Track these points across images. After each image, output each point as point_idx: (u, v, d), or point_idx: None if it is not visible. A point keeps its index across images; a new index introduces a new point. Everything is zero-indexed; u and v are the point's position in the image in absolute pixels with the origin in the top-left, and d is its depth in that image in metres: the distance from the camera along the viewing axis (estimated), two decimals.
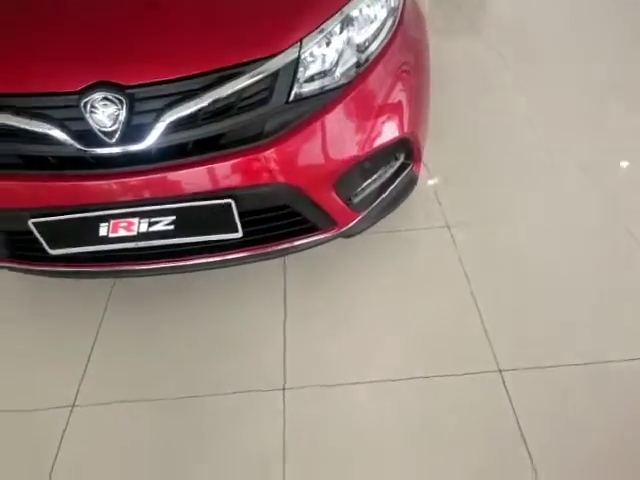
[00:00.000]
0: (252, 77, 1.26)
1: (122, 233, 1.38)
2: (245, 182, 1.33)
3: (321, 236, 1.54)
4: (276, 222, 1.47)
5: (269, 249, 1.49)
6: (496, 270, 1.76)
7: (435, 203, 2.01)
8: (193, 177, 1.31)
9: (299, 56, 1.29)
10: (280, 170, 1.33)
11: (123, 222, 1.36)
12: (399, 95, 1.50)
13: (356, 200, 1.55)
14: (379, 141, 1.47)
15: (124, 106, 1.23)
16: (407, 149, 1.62)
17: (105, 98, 1.22)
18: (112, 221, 1.36)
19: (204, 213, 1.36)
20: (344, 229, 1.57)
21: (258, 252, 1.49)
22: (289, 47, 1.28)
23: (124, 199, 1.33)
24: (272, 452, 1.36)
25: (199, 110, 1.26)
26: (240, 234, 1.41)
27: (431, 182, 2.11)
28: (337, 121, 1.38)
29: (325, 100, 1.36)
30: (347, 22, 1.38)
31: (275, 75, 1.28)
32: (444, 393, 1.44)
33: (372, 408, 1.43)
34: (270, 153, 1.31)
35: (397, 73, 1.50)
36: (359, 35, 1.40)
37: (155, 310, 1.73)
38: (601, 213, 1.90)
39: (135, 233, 1.38)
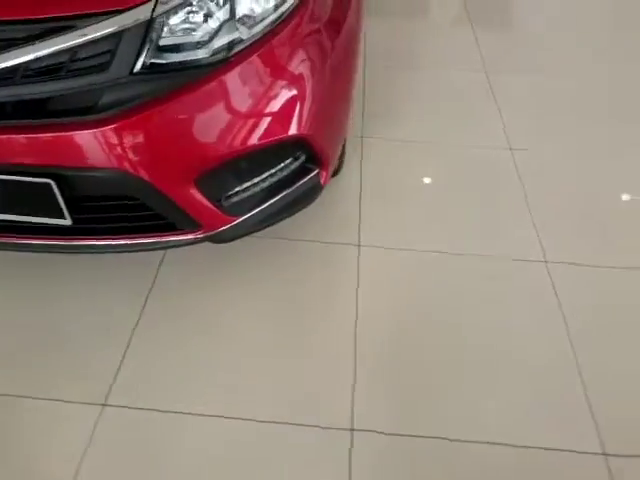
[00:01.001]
0: (85, 35, 1.01)
1: None
2: (69, 162, 1.09)
3: (179, 237, 1.31)
4: (120, 213, 1.24)
5: (107, 242, 1.27)
6: (389, 308, 1.53)
7: (354, 218, 1.76)
8: (8, 144, 1.08)
9: (152, 18, 1.05)
10: (116, 154, 1.10)
11: None
12: (297, 86, 1.25)
13: (230, 202, 1.31)
14: (262, 138, 1.22)
15: None
16: (307, 152, 1.38)
17: None
18: None
19: (24, 190, 1.13)
20: (211, 233, 1.33)
21: (91, 243, 1.27)
22: (139, 4, 1.04)
23: None
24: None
25: (21, 64, 1.02)
26: (68, 221, 1.18)
27: (357, 191, 1.86)
28: (201, 105, 1.14)
29: (189, 77, 1.11)
30: None
31: (118, 37, 1.03)
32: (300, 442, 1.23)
33: (198, 448, 1.22)
34: (103, 131, 1.07)
35: (298, 59, 1.25)
36: (246, 3, 1.15)
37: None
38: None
39: None
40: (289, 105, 1.24)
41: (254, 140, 1.21)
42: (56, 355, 1.37)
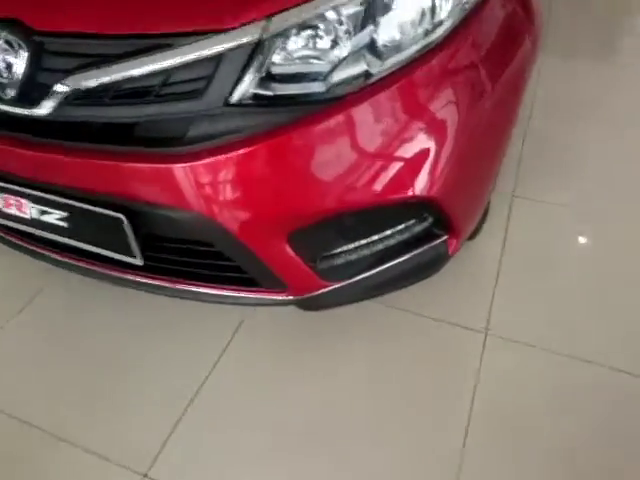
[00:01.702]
0: (181, 56, 0.85)
1: (14, 212, 1.08)
2: (144, 196, 0.94)
3: (260, 296, 1.10)
4: (196, 259, 1.06)
5: (179, 287, 1.10)
6: (509, 418, 1.16)
7: (487, 297, 1.42)
8: (83, 169, 0.95)
9: (261, 40, 0.85)
10: (195, 194, 0.92)
11: (13, 200, 1.06)
12: (433, 136, 0.97)
13: (328, 264, 1.07)
14: (379, 195, 0.97)
15: (27, 56, 0.91)
16: (436, 215, 1.09)
17: (7, 41, 0.91)
18: (4, 194, 1.07)
19: (94, 222, 1.00)
20: (300, 297, 1.10)
21: (162, 285, 1.10)
22: (247, 23, 0.84)
23: (12, 171, 1.03)
24: None
25: (110, 83, 0.89)
26: (139, 261, 1.03)
27: (495, 263, 1.50)
28: (307, 148, 0.91)
29: (295, 113, 0.90)
30: (371, 7, 0.89)
31: (217, 60, 0.85)
32: None
33: None
34: (185, 167, 0.90)
35: (441, 101, 0.97)
36: (390, 28, 0.91)
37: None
38: None
39: (28, 217, 1.07)
40: (419, 159, 0.97)
41: (368, 196, 0.96)
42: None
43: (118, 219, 0.95)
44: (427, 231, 1.12)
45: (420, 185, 0.97)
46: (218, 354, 1.31)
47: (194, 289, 1.09)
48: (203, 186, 0.91)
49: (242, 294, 1.10)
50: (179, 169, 0.90)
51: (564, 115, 2.02)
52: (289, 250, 1.00)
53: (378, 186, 0.96)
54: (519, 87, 1.15)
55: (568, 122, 1.98)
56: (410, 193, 0.97)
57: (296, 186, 0.93)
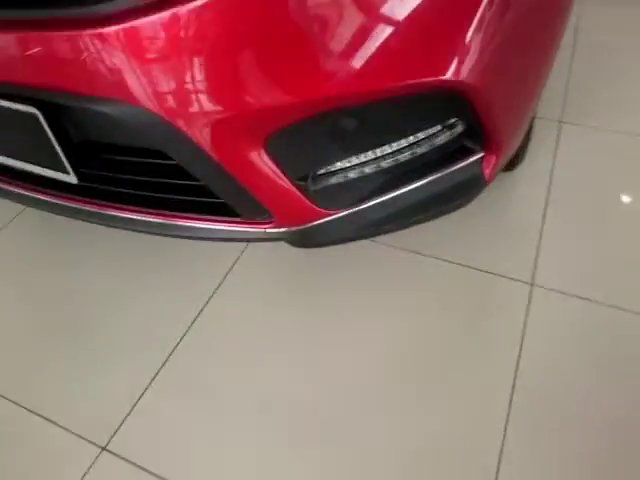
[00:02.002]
0: None
1: None
2: (57, 81, 0.67)
3: (234, 228, 0.84)
4: (150, 176, 0.80)
5: (126, 215, 0.84)
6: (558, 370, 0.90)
7: (530, 242, 1.14)
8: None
9: None
10: (125, 75, 0.65)
11: None
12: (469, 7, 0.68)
13: (323, 185, 0.81)
14: (388, 77, 0.69)
15: None
16: (468, 118, 0.81)
17: None
18: None
19: (8, 124, 0.75)
20: (288, 229, 0.84)
21: (101, 212, 0.85)
22: None
23: None
24: None
25: None
26: (72, 178, 0.78)
27: (541, 201, 1.21)
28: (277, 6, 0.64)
29: None
30: None
31: None
32: None
33: None
34: (105, 33, 0.63)
35: None
36: None
37: None
38: None
39: None
40: (449, 27, 0.68)
41: (374, 78, 0.68)
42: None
43: (32, 115, 0.70)
44: (456, 144, 0.85)
45: (449, 65, 0.69)
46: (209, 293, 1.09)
47: (147, 219, 0.84)
48: (137, 62, 0.64)
49: (213, 225, 0.84)
50: (99, 36, 0.63)
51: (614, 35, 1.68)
52: (269, 162, 0.73)
53: (390, 62, 0.67)
54: None
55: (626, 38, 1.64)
56: (435, 76, 0.69)
57: (275, 58, 0.65)
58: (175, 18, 0.61)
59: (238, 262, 1.15)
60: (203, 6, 0.60)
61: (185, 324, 1.04)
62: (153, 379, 0.97)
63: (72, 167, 0.75)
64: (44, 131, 0.71)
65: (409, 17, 0.65)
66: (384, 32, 0.65)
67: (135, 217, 0.83)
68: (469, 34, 0.69)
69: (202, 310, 1.06)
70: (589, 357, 0.95)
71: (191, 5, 0.61)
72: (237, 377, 0.96)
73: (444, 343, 0.99)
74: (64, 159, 0.74)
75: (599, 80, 1.49)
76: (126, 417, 0.92)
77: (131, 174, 0.80)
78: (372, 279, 1.09)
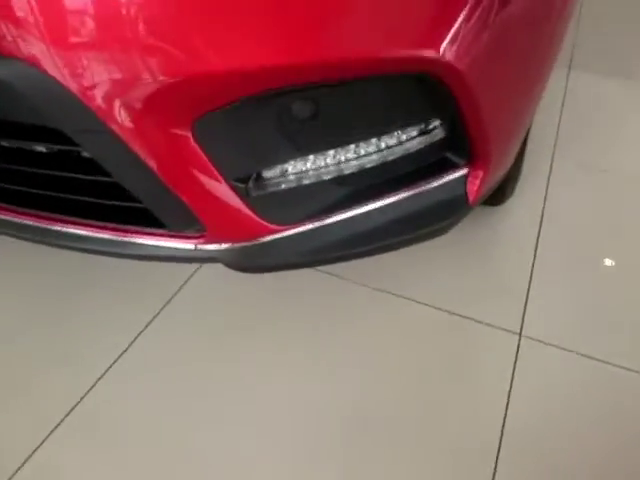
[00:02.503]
0: None
1: None
2: None
3: (156, 242, 0.66)
4: (46, 169, 0.63)
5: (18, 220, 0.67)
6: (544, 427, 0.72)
7: (518, 287, 0.98)
8: None
9: None
10: (19, 19, 0.50)
11: None
12: None
13: (267, 191, 0.64)
14: (350, 45, 0.53)
15: None
16: (451, 117, 0.66)
17: None
18: None
19: None
20: (223, 247, 0.67)
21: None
22: None
23: None
24: None
25: None
26: None
27: (531, 241, 1.06)
28: None
29: None
30: None
31: None
32: None
33: None
34: None
35: None
36: None
37: None
38: None
39: None
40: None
41: (333, 45, 0.53)
42: None
43: None
44: (436, 154, 0.70)
45: (433, 39, 0.54)
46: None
47: (42, 225, 0.66)
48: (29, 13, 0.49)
49: (129, 238, 0.67)
50: None
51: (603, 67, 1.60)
52: (198, 151, 0.57)
53: (359, 26, 0.52)
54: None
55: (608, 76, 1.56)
56: (414, 49, 0.54)
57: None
58: None
59: (182, 289, 0.96)
60: None
61: (96, 373, 0.84)
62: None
63: None
64: None
65: None
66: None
67: (19, 220, 0.65)
68: (464, 10, 0.55)
69: (125, 351, 0.87)
70: (579, 410, 0.77)
71: None
72: (152, 425, 0.76)
73: (422, 393, 0.80)
74: None
75: (592, 119, 1.38)
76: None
77: (18, 164, 0.63)
78: (335, 316, 0.92)
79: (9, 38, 0.50)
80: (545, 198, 1.15)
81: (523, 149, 0.99)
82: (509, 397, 0.81)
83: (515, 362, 0.84)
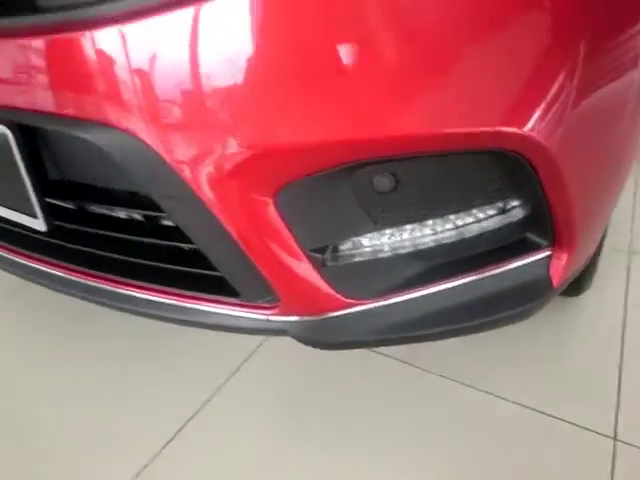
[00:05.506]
0: None
1: None
2: (31, 99, 0.56)
3: (226, 311, 0.66)
4: (125, 233, 0.65)
5: (92, 283, 0.68)
6: None
7: (608, 388, 0.89)
8: None
9: None
10: (122, 98, 0.53)
11: None
12: (555, 54, 0.54)
13: (343, 261, 0.63)
14: (434, 122, 0.53)
15: None
16: (533, 197, 0.64)
17: None
18: None
19: None
20: (295, 319, 0.66)
21: (69, 278, 0.69)
22: None
23: None
24: None
25: None
26: (41, 224, 0.63)
27: (616, 339, 0.98)
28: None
29: None
30: None
31: None
32: None
33: None
34: (83, 37, 0.52)
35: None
36: None
37: None
38: None
39: None
40: (524, 71, 0.54)
41: (417, 123, 0.53)
42: None
43: (2, 135, 0.58)
44: (516, 231, 0.68)
45: (516, 112, 0.54)
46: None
47: (112, 289, 0.67)
48: (123, 75, 0.53)
49: (198, 305, 0.66)
50: (76, 41, 0.52)
51: None
52: (278, 219, 0.58)
53: (443, 104, 0.53)
54: None
55: None
56: (497, 123, 0.54)
57: (311, 85, 0.52)
58: (194, 17, 0.50)
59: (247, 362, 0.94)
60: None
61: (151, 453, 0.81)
62: None
63: (41, 209, 0.62)
64: (12, 155, 0.58)
65: (475, 50, 0.52)
66: (440, 66, 0.52)
67: (100, 286, 0.67)
68: (554, 87, 0.54)
69: (181, 429, 0.84)
70: None
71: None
72: None
73: None
74: (33, 196, 0.61)
75: None
76: None
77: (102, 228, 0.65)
78: (418, 414, 0.86)
79: (113, 113, 0.53)
80: (627, 284, 1.08)
81: (601, 242, 0.95)
82: None
83: (612, 470, 0.74)
